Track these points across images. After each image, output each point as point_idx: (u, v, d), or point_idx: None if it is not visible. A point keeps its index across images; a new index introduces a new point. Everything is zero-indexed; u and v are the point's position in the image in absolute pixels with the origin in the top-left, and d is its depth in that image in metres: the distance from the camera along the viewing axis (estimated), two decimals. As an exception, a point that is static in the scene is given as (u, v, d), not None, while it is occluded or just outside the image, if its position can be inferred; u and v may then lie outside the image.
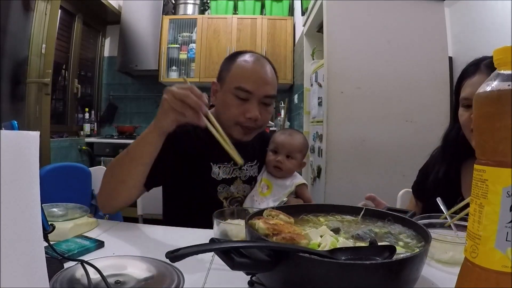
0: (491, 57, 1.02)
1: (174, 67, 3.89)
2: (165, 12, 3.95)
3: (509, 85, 0.39)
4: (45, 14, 2.71)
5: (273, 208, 0.70)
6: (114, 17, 3.92)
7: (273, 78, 1.10)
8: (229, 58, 1.13)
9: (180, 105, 0.81)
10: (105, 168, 1.03)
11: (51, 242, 0.59)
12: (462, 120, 0.98)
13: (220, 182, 1.12)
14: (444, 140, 1.09)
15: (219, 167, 1.12)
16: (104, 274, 0.52)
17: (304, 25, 2.98)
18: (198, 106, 0.81)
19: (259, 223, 0.58)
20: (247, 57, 1.09)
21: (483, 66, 0.95)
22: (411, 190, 1.20)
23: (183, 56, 3.91)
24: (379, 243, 0.55)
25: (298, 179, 1.18)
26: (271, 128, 3.66)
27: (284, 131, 1.23)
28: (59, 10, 2.89)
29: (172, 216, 1.16)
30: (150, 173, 0.93)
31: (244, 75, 1.06)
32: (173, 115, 0.83)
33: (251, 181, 1.20)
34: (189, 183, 1.09)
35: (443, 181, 1.04)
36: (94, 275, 0.52)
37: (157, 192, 1.14)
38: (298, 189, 1.16)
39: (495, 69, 0.96)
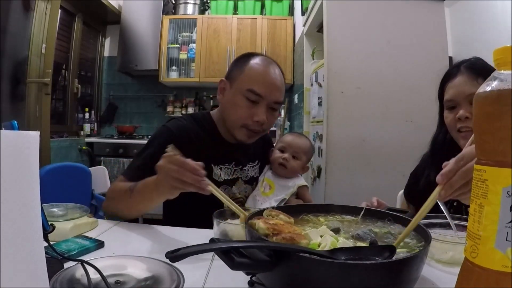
0: (470, 59, 1.05)
1: (174, 67, 3.89)
2: (165, 12, 3.95)
3: (509, 85, 0.39)
4: (45, 14, 2.71)
5: (273, 208, 0.70)
6: (114, 17, 3.92)
7: (282, 85, 1.12)
8: (242, 59, 1.13)
9: (180, 182, 0.76)
10: (105, 168, 1.05)
11: (51, 242, 0.59)
12: (447, 122, 1.00)
13: (222, 184, 1.12)
14: (433, 144, 1.12)
15: (220, 169, 1.12)
16: (104, 274, 0.52)
17: (304, 25, 2.98)
18: (197, 182, 0.75)
19: (259, 223, 0.58)
20: (260, 61, 1.10)
21: (463, 68, 0.98)
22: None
23: (183, 56, 3.91)
24: (379, 243, 0.55)
25: (300, 180, 1.19)
26: (271, 128, 3.65)
27: (292, 133, 1.28)
28: (59, 10, 2.89)
29: (173, 218, 1.16)
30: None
31: (257, 78, 1.06)
32: (176, 191, 0.80)
33: (253, 182, 1.20)
34: None
35: (434, 184, 1.05)
36: (94, 275, 0.52)
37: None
38: (299, 190, 1.17)
39: (475, 70, 1.00)
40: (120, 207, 0.97)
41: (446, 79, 1.03)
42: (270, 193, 1.15)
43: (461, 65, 1.00)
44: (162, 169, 0.78)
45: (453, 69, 1.02)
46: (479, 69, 0.96)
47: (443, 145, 1.07)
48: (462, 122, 0.95)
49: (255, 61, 1.09)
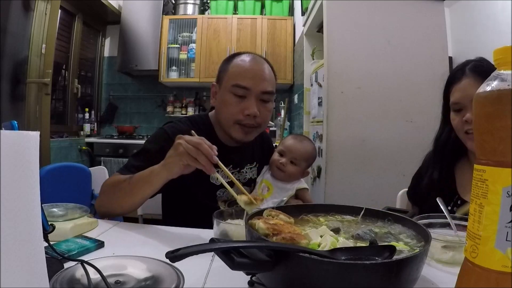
0: (474, 61, 1.05)
1: (174, 67, 3.89)
2: (165, 12, 3.95)
3: (509, 85, 0.39)
4: (45, 14, 2.71)
5: (273, 208, 0.70)
6: (114, 17, 3.92)
7: (270, 75, 1.09)
8: (227, 60, 1.14)
9: (194, 150, 0.81)
10: (105, 168, 1.05)
11: (51, 242, 0.59)
12: (454, 124, 1.02)
13: (220, 187, 1.12)
14: (435, 143, 1.13)
15: (217, 171, 1.12)
16: (104, 274, 0.52)
17: (304, 25, 2.98)
18: (210, 155, 0.82)
19: (259, 223, 0.58)
20: (244, 57, 1.10)
21: (468, 70, 0.99)
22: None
23: (183, 56, 3.91)
24: (379, 243, 0.55)
25: (300, 183, 1.17)
26: (271, 128, 3.66)
27: (296, 136, 1.24)
28: (59, 10, 2.89)
29: (172, 218, 1.16)
30: None
31: (240, 72, 1.06)
32: (186, 159, 0.82)
33: (251, 183, 1.20)
34: (189, 189, 1.09)
35: (438, 183, 1.05)
36: (94, 275, 0.52)
37: (157, 192, 1.14)
38: (299, 193, 1.16)
39: (479, 71, 1.00)
40: (114, 199, 0.96)
41: (451, 81, 1.03)
42: (268, 195, 1.14)
43: (466, 67, 1.00)
44: (179, 145, 0.83)
45: (458, 72, 1.02)
46: (484, 71, 0.95)
47: (447, 144, 1.08)
48: (469, 125, 0.96)
49: (239, 58, 1.10)
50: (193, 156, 0.81)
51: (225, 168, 0.86)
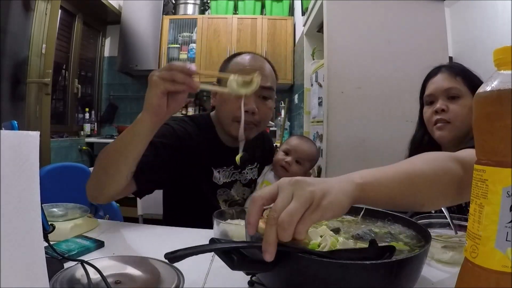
0: (450, 63, 1.13)
1: (174, 67, 3.89)
2: (165, 12, 3.95)
3: (509, 85, 0.39)
4: (45, 14, 2.71)
5: (273, 208, 0.70)
6: (114, 17, 3.92)
7: (270, 72, 1.09)
8: (227, 59, 1.14)
9: (167, 73, 0.75)
10: None
11: (51, 242, 0.59)
12: (426, 117, 1.08)
13: (221, 186, 1.12)
14: (411, 144, 1.17)
15: (218, 172, 1.12)
16: (104, 274, 0.52)
17: (304, 25, 2.98)
18: (184, 68, 0.75)
19: (259, 223, 0.58)
20: (243, 55, 1.11)
21: (444, 68, 1.08)
22: None
23: (183, 56, 3.91)
24: (379, 243, 0.55)
25: None
26: (271, 128, 3.66)
27: (301, 137, 1.24)
28: (59, 10, 2.89)
29: (173, 218, 1.16)
30: (146, 178, 0.91)
31: (239, 68, 1.06)
32: (161, 85, 0.75)
33: (251, 184, 1.20)
34: (190, 188, 1.09)
35: None
36: (94, 275, 0.52)
37: (157, 192, 1.14)
38: None
39: (454, 69, 1.10)
40: (102, 161, 0.84)
41: (427, 78, 1.10)
42: None
43: (442, 66, 1.09)
44: (152, 76, 0.77)
45: (434, 70, 1.10)
46: (459, 69, 1.05)
47: (421, 144, 1.11)
48: (438, 115, 1.00)
49: (239, 57, 1.10)
50: (168, 78, 0.74)
51: (207, 71, 0.82)
